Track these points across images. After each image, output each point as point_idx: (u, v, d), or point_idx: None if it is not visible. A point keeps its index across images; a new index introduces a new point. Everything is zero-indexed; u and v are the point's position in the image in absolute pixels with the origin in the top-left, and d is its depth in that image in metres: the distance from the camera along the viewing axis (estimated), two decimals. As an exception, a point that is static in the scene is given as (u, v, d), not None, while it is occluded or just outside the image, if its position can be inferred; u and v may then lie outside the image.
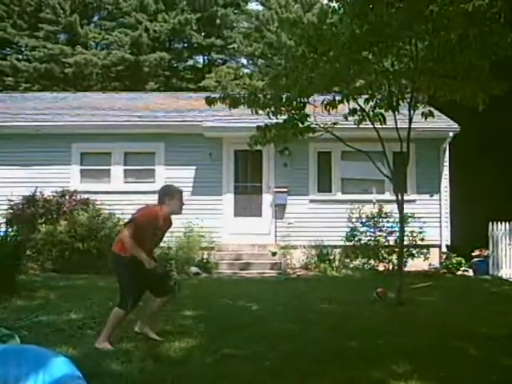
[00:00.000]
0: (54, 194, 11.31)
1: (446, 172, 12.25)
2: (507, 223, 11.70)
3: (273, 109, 7.71)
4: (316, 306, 7.25)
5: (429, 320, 6.44)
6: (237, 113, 9.69)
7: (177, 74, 29.48)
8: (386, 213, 11.20)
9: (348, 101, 7.48)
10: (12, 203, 11.18)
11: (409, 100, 7.60)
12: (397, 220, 9.47)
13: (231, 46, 30.49)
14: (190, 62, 31.26)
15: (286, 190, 12.08)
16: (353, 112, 7.76)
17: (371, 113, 7.77)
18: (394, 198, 8.75)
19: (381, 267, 11.06)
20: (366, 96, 7.67)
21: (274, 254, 11.53)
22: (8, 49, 28.60)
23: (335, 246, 11.58)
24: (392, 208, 10.36)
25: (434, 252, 11.69)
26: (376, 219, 11.26)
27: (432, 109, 7.95)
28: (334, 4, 7.46)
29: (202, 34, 29.76)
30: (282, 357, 4.71)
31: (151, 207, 5.16)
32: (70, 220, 10.66)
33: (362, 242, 11.21)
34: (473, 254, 11.74)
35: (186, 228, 11.23)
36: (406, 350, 4.88)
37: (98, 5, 29.48)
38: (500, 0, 7.04)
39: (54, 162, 12.14)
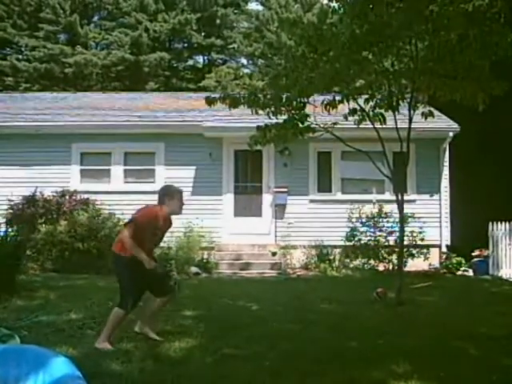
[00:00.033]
0: (54, 194, 11.31)
1: (446, 172, 12.25)
2: (507, 223, 11.70)
3: (273, 109, 7.71)
4: (316, 306, 7.25)
5: (429, 320, 6.43)
6: (237, 113, 9.69)
7: (177, 74, 29.48)
8: (386, 213, 11.21)
9: (348, 101, 7.48)
10: (12, 203, 11.18)
11: (409, 100, 7.60)
12: (397, 220, 9.47)
13: (231, 46, 30.49)
14: (190, 62, 31.28)
15: (285, 190, 12.08)
16: (353, 112, 7.76)
17: (371, 113, 7.77)
18: (394, 198, 8.75)
19: (381, 267, 11.06)
20: (366, 96, 7.67)
21: (273, 253, 11.53)
22: (8, 49, 28.60)
23: (335, 246, 11.58)
24: (392, 208, 10.36)
25: (434, 252, 11.69)
26: (376, 219, 11.26)
27: (432, 109, 7.95)
28: (334, 4, 7.46)
29: (202, 34, 29.76)
30: (282, 357, 4.71)
31: (151, 207, 5.16)
32: (70, 220, 10.67)
33: (362, 241, 11.21)
34: (473, 253, 11.74)
35: (186, 228, 11.23)
36: (405, 349, 4.88)
37: (98, 5, 29.49)
38: (500, 0, 7.04)
39: (54, 161, 12.14)
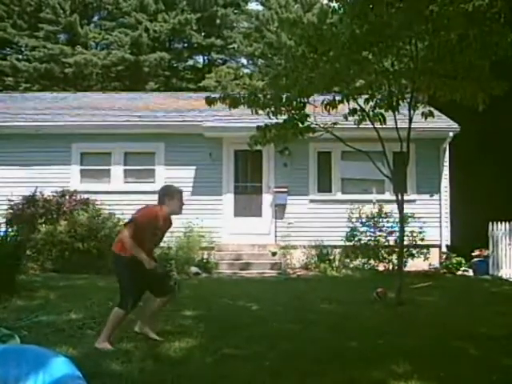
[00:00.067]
0: (54, 194, 11.31)
1: (446, 172, 12.25)
2: (507, 223, 11.70)
3: (273, 109, 7.71)
4: (316, 306, 7.25)
5: (429, 320, 6.43)
6: (237, 113, 9.69)
7: (177, 74, 29.49)
8: (386, 213, 11.20)
9: (348, 101, 7.48)
10: (12, 203, 11.18)
11: (409, 100, 7.60)
12: (397, 220, 9.47)
13: (231, 46, 30.49)
14: (190, 62, 31.28)
15: (286, 190, 12.08)
16: (353, 112, 7.76)
17: (371, 113, 7.77)
18: (394, 198, 8.75)
19: (381, 267, 11.06)
20: (366, 96, 7.67)
21: (274, 254, 11.53)
22: (8, 49, 28.60)
23: (335, 246, 11.58)
24: (392, 208, 10.36)
25: (434, 252, 11.69)
26: (376, 219, 11.26)
27: (432, 109, 7.95)
28: (334, 4, 7.46)
29: (202, 34, 29.76)
30: (282, 357, 4.71)
31: (151, 207, 5.16)
32: (70, 220, 10.67)
33: (362, 241, 11.21)
34: (473, 254, 11.74)
35: (186, 228, 11.23)
36: (406, 349, 4.88)
37: (98, 5, 29.49)
38: (500, 0, 7.04)
39: (54, 161, 12.14)
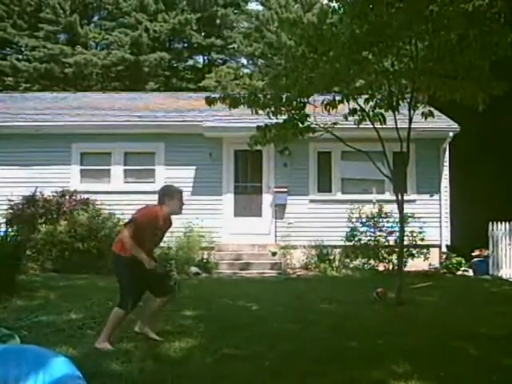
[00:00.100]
0: (54, 193, 11.31)
1: (446, 172, 12.25)
2: (507, 223, 11.70)
3: (273, 109, 7.71)
4: (316, 306, 7.25)
5: (429, 320, 6.43)
6: (237, 113, 9.69)
7: (177, 74, 29.49)
8: (386, 213, 11.20)
9: (348, 101, 7.48)
10: (12, 203, 11.18)
11: (409, 100, 7.60)
12: (397, 220, 9.47)
13: (231, 46, 30.49)
14: (190, 62, 31.28)
15: (286, 190, 12.08)
16: (353, 112, 7.76)
17: (371, 113, 7.77)
18: (394, 198, 8.75)
19: (381, 267, 11.06)
20: (366, 96, 7.67)
21: (274, 254, 11.53)
22: (8, 49, 28.60)
23: (335, 246, 11.58)
24: (392, 208, 10.36)
25: (434, 252, 11.69)
26: (376, 219, 11.26)
27: (432, 109, 7.95)
28: (334, 4, 7.46)
29: (202, 34, 29.76)
30: (282, 357, 4.71)
31: (151, 207, 5.16)
32: (70, 220, 10.67)
33: (362, 241, 11.21)
34: (473, 254, 11.74)
35: (186, 228, 11.23)
36: (406, 349, 4.88)
37: (98, 5, 29.49)
38: (500, 0, 7.04)
39: (54, 161, 12.14)
